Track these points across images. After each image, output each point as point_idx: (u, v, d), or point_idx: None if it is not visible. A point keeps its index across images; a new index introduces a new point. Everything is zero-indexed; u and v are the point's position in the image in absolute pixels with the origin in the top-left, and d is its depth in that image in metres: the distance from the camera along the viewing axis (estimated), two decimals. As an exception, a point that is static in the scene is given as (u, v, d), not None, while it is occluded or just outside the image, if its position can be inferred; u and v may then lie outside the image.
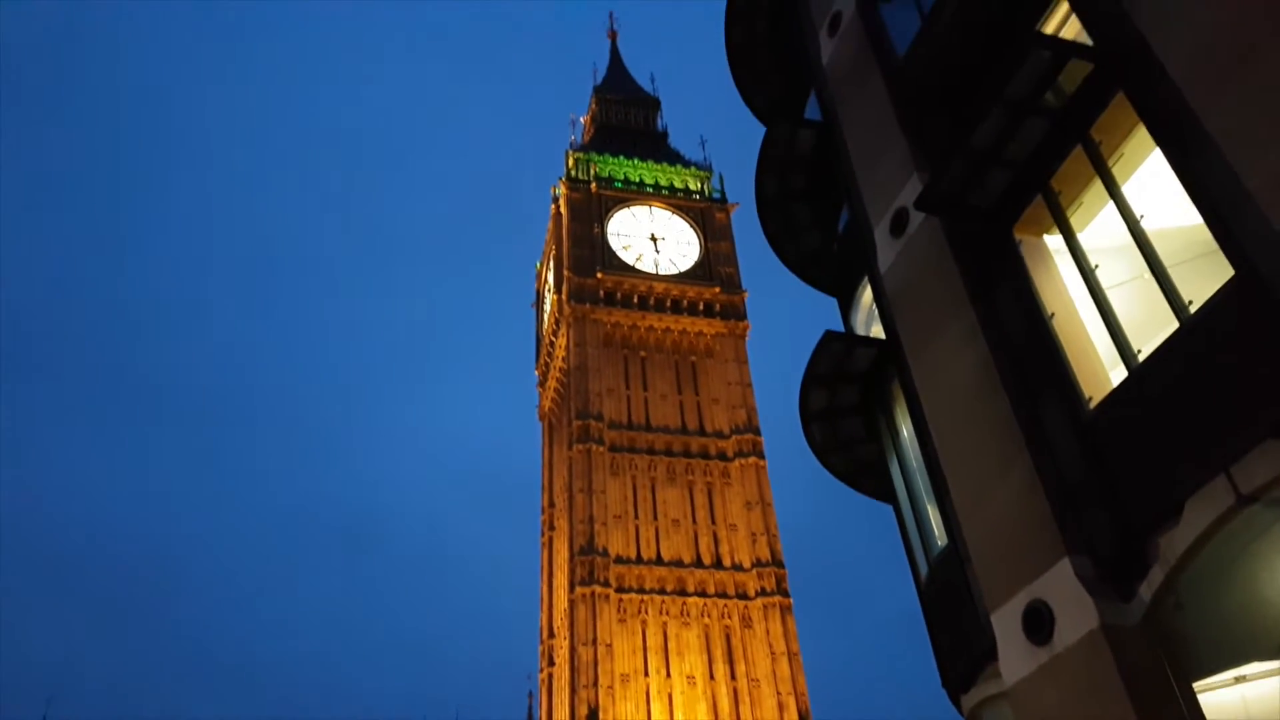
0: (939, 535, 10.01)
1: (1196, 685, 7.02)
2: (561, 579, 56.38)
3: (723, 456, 58.18)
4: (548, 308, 70.14)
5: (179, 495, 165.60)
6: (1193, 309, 7.18)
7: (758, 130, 15.10)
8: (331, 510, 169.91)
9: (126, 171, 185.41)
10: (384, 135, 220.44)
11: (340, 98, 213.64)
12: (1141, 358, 7.62)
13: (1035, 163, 8.77)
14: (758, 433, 58.97)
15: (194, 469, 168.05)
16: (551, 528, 61.50)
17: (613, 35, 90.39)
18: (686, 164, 73.58)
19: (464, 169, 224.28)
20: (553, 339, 66.61)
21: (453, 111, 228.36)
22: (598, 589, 51.47)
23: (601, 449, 56.41)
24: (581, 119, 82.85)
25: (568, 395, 60.93)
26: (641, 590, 52.36)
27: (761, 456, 58.04)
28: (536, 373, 70.69)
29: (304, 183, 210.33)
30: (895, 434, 11.10)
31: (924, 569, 10.33)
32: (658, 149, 76.30)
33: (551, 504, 62.75)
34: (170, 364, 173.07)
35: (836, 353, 11.19)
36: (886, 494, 11.51)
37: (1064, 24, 8.92)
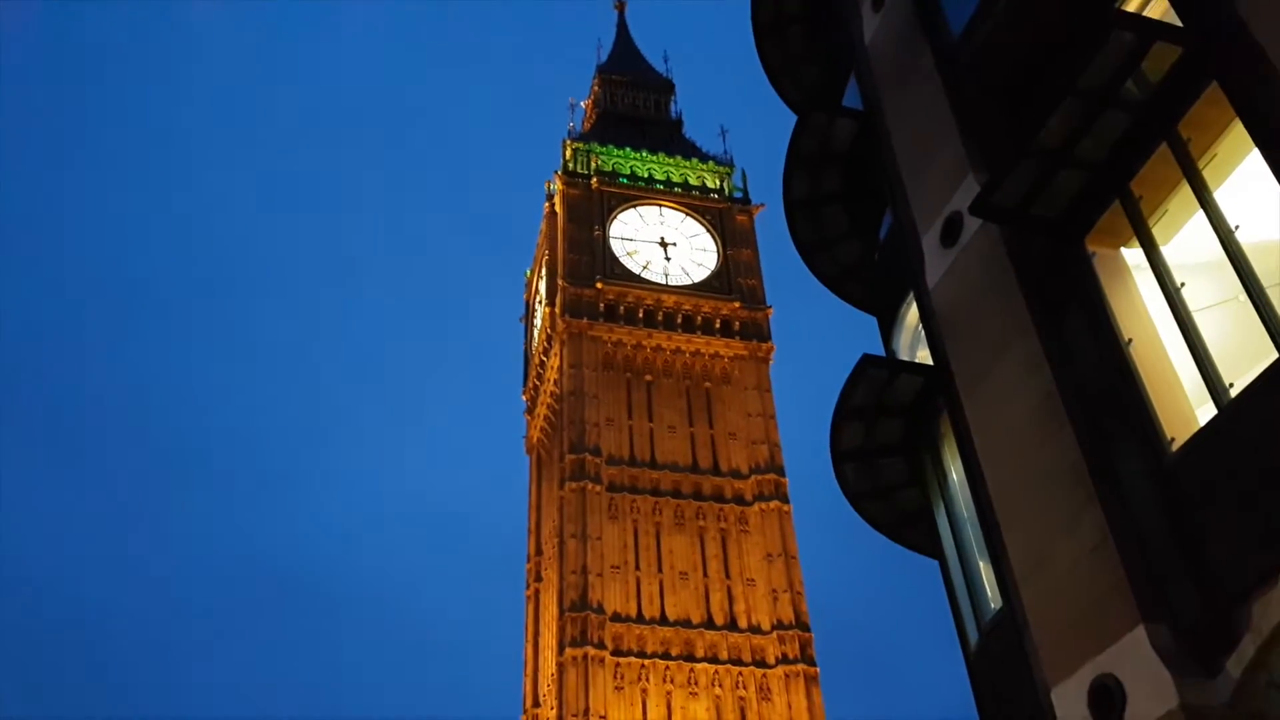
0: (992, 597, 9.96)
1: (1294, 780, 6.93)
2: (549, 639, 56.11)
3: (740, 500, 58.02)
4: (538, 322, 70.30)
5: (106, 544, 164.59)
6: (1295, 337, 7.16)
7: (787, 119, 15.18)
8: (286, 562, 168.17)
9: (74, 184, 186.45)
10: (349, 116, 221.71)
11: (299, 83, 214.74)
12: (1234, 393, 7.60)
13: (1112, 163, 8.80)
14: (781, 473, 58.83)
15: (129, 517, 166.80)
16: (538, 579, 61.30)
17: (620, 6, 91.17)
18: (704, 158, 73.97)
19: (442, 158, 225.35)
20: (543, 359, 66.71)
21: (429, 92, 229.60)
22: (591, 651, 51.20)
23: (598, 488, 56.31)
24: (581, 103, 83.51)
25: (560, 425, 60.91)
26: (642, 654, 52.07)
27: (785, 501, 57.90)
28: (524, 398, 70.70)
29: (259, 177, 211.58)
30: (943, 478, 11.08)
31: (974, 635, 10.27)
32: (670, 140, 76.74)
33: (539, 551, 62.56)
34: (101, 391, 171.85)
35: (875, 381, 11.19)
36: (932, 548, 11.46)
37: (1149, 1, 8.97)
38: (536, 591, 60.96)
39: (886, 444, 11.65)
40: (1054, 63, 9.57)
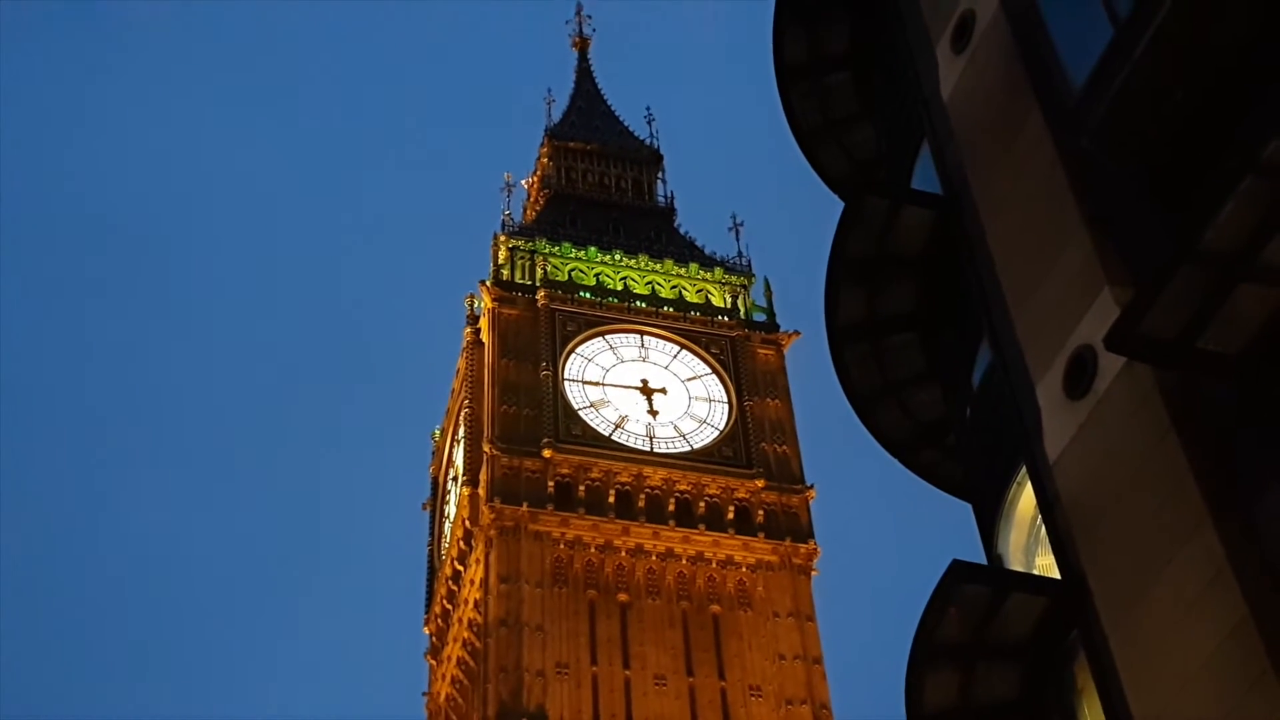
0: None
1: None
2: None
3: (770, 795, 56.51)
4: (451, 511, 69.74)
5: None
6: None
7: (830, 206, 15.53)
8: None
9: None
10: (202, 212, 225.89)
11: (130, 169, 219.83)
12: None
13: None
14: (834, 750, 57.60)
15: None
16: None
17: (581, 43, 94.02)
18: (707, 262, 75.14)
19: (313, 260, 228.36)
20: (458, 568, 65.91)
21: (304, 157, 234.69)
22: None
23: (543, 777, 54.81)
24: (523, 181, 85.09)
25: (482, 674, 59.68)
26: None
27: (841, 795, 56.45)
28: (427, 631, 69.50)
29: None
30: (1083, 757, 10.90)
31: None
32: (657, 235, 78.05)
33: None
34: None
35: (974, 603, 11.12)
36: None
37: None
38: None
39: (995, 702, 11.50)
40: (1224, 126, 9.88)
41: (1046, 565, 11.73)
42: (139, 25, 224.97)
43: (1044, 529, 11.52)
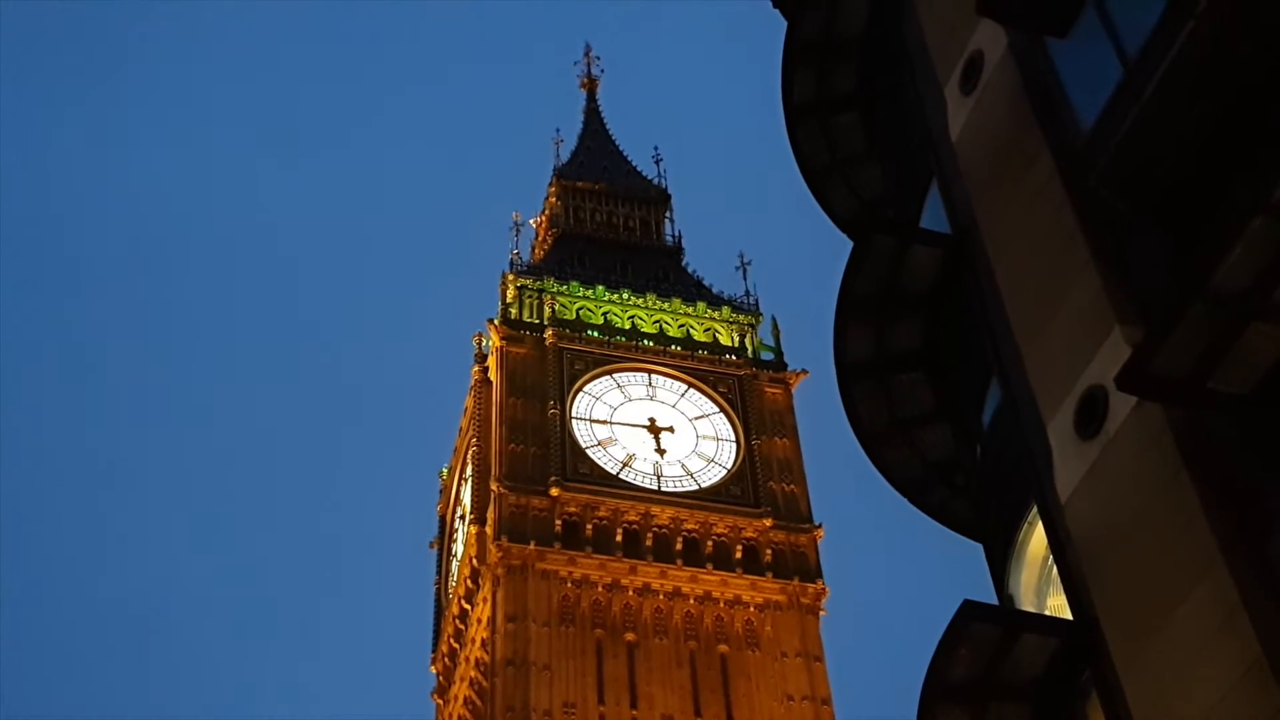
0: None
1: None
2: None
3: (777, 837, 56.11)
4: (458, 549, 69.57)
5: None
6: None
7: (838, 245, 15.56)
8: None
9: None
10: (198, 232, 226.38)
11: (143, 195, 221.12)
12: None
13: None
14: (841, 792, 57.22)
15: None
16: None
17: (589, 84, 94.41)
18: (715, 301, 75.10)
19: (316, 298, 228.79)
20: (465, 607, 65.71)
21: (308, 199, 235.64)
22: None
23: (549, 817, 54.48)
24: (531, 221, 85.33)
25: (490, 714, 59.47)
26: None
27: (848, 838, 56.02)
28: (434, 670, 69.24)
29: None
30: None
31: None
32: (664, 274, 78.07)
33: None
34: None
35: (985, 643, 11.06)
36: None
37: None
38: None
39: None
40: (1234, 165, 9.90)
41: (1058, 605, 11.69)
42: (149, 40, 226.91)
43: (1055, 569, 11.49)
